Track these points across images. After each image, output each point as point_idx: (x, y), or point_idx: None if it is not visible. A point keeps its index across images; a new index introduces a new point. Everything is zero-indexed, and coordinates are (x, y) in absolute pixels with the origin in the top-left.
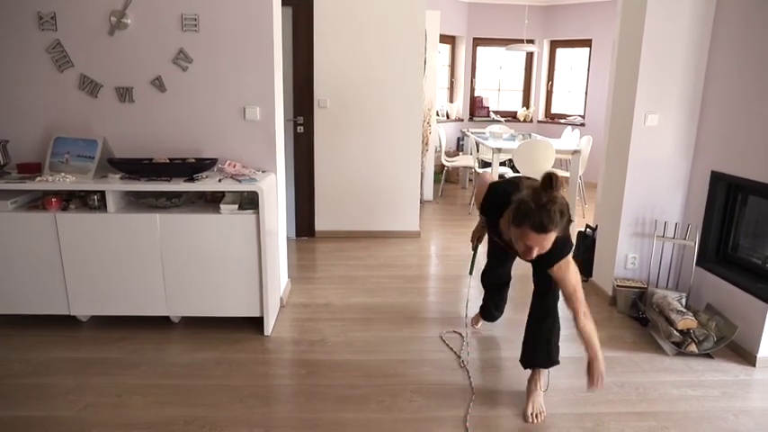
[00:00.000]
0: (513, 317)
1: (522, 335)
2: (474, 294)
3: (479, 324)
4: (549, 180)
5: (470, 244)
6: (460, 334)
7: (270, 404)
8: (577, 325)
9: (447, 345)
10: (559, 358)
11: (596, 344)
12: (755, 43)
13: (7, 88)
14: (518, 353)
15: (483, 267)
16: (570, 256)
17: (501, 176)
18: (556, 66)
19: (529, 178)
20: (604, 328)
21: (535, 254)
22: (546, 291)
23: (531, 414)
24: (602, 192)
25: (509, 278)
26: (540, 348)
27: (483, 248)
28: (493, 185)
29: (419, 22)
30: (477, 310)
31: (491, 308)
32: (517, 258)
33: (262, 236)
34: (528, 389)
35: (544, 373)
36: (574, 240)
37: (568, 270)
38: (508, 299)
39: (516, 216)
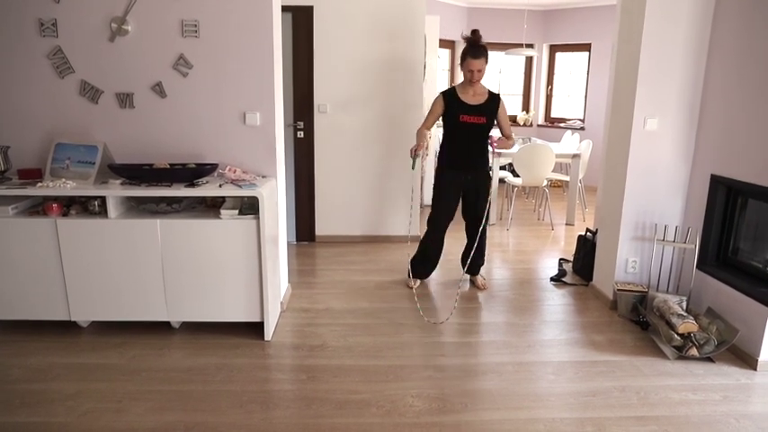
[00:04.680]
0: (514, 320)
1: (517, 339)
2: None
3: (417, 284)
4: (474, 31)
5: (415, 159)
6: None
7: (270, 409)
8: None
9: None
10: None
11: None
12: (754, 47)
13: (8, 94)
14: (520, 356)
15: (431, 216)
16: (503, 100)
17: (500, 180)
18: (555, 70)
19: None
20: (605, 332)
21: (476, 77)
22: (480, 216)
23: (482, 284)
24: (602, 195)
25: (447, 226)
26: (480, 260)
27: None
28: (443, 91)
29: (419, 26)
30: (410, 271)
31: (432, 258)
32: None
33: (262, 241)
34: (473, 277)
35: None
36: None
37: (504, 107)
38: (508, 302)
39: (462, 54)
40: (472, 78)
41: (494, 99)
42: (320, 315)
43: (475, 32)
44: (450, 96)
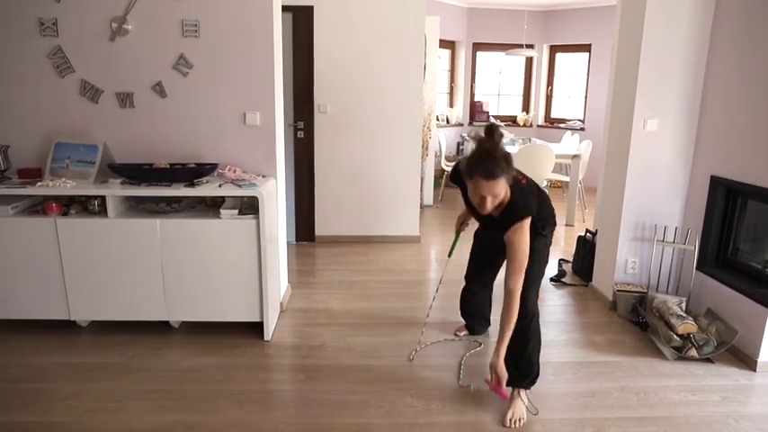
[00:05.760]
0: None
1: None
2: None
3: (463, 333)
4: (489, 130)
5: (455, 232)
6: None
7: (269, 409)
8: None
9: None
10: (538, 371)
11: (503, 337)
12: (754, 48)
13: (8, 94)
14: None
15: (465, 272)
16: (525, 222)
17: None
18: (555, 70)
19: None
20: (604, 332)
21: (488, 204)
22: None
23: (511, 419)
24: (602, 196)
25: (491, 283)
26: (519, 364)
27: (467, 245)
28: (458, 162)
29: (419, 27)
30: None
31: (463, 305)
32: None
33: (262, 241)
34: (511, 395)
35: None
36: (553, 216)
37: (518, 235)
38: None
39: (467, 168)
40: (482, 207)
41: (504, 221)
42: (320, 315)
43: (492, 131)
44: (461, 183)
